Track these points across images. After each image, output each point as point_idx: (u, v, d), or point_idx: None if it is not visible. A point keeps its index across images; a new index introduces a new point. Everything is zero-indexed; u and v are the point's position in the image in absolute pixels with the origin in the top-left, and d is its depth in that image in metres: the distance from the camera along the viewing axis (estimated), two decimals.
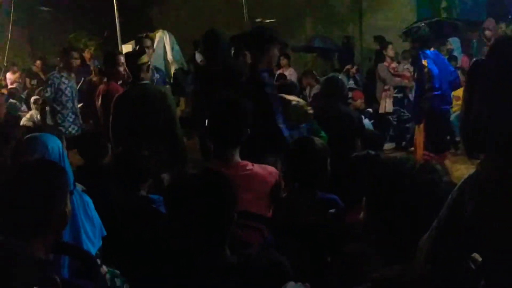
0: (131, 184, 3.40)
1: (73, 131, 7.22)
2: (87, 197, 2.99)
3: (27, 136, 2.92)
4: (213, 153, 3.19)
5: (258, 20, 12.53)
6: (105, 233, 3.00)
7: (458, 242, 1.22)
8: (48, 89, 7.19)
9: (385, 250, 1.84)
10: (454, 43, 11.39)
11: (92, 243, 2.88)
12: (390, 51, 10.15)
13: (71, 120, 7.30)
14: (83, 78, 8.91)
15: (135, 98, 5.23)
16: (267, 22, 11.58)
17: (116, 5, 10.11)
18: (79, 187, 3.09)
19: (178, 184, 2.17)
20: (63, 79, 7.24)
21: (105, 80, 6.64)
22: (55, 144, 2.84)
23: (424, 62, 7.12)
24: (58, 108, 7.21)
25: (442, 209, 1.33)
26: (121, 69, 6.21)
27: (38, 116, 9.22)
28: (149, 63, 5.57)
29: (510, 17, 11.90)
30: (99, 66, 9.57)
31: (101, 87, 6.45)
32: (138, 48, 7.36)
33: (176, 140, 5.23)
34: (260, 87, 4.34)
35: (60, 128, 7.15)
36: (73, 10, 16.01)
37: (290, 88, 5.84)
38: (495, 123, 1.19)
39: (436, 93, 6.95)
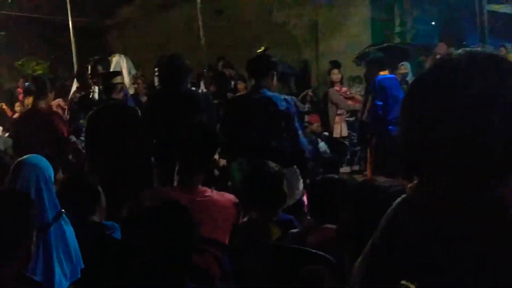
0: (81, 210, 3.33)
1: None
2: (69, 227, 2.93)
3: (18, 160, 2.90)
4: (177, 178, 3.19)
5: None
6: (82, 265, 2.92)
7: (393, 268, 1.22)
8: None
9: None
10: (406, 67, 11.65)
11: (64, 275, 2.81)
12: (333, 76, 10.22)
13: None
14: None
15: (108, 115, 5.42)
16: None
17: (73, 28, 10.05)
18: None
19: (137, 216, 2.16)
20: None
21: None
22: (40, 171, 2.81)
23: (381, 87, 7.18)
24: None
25: (375, 233, 1.34)
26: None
27: None
28: (122, 84, 5.71)
29: (464, 43, 12.25)
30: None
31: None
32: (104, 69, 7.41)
33: (145, 158, 5.29)
34: (272, 105, 4.73)
35: None
36: (28, 34, 15.79)
37: None
38: (438, 144, 1.20)
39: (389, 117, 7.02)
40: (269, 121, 4.81)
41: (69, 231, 2.91)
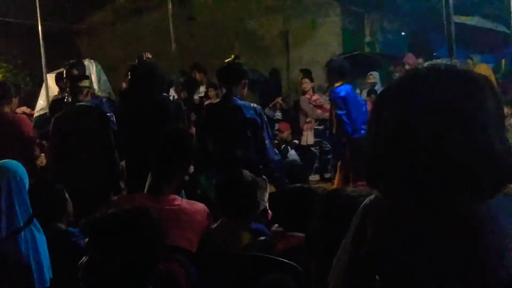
0: (46, 217, 3.28)
1: None
2: (41, 235, 2.89)
3: None
4: (147, 185, 3.16)
5: None
6: (51, 275, 2.88)
7: (363, 271, 1.24)
8: None
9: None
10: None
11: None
12: (304, 85, 10.26)
13: None
14: None
15: (72, 116, 5.37)
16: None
17: (42, 32, 9.92)
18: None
19: (100, 222, 2.13)
20: None
21: None
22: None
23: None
24: None
25: (346, 236, 1.36)
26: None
27: None
28: (90, 88, 5.66)
29: (434, 54, 12.43)
30: None
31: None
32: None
33: (113, 163, 5.23)
34: (239, 113, 4.78)
35: None
36: None
37: None
38: (398, 154, 1.22)
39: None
40: (236, 130, 4.84)
41: (40, 239, 2.87)
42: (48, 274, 2.84)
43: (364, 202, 1.34)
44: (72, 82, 5.68)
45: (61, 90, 7.34)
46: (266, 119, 5.09)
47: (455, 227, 1.16)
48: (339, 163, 7.59)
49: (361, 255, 1.25)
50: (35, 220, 2.88)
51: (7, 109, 5.79)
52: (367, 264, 1.22)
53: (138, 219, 2.09)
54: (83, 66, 7.11)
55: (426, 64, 1.29)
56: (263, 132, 4.91)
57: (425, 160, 1.16)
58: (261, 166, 4.84)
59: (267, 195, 4.25)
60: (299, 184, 3.53)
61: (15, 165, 2.94)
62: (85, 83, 5.67)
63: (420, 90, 1.21)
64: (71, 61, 6.82)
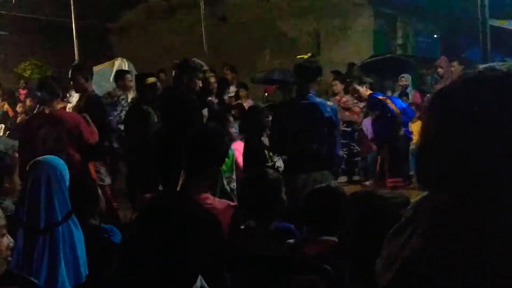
0: (80, 213, 3.31)
1: None
2: (79, 231, 2.94)
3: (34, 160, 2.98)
4: (181, 184, 3.16)
5: None
6: (87, 271, 2.92)
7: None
8: None
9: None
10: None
11: (68, 278, 2.81)
12: (334, 87, 10.23)
13: None
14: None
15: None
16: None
17: (76, 31, 10.06)
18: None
19: (150, 214, 2.10)
20: None
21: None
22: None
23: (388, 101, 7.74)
24: None
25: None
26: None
27: None
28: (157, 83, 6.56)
29: (463, 55, 12.27)
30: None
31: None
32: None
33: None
34: (317, 111, 5.15)
35: None
36: (31, 35, 15.81)
37: None
38: (445, 160, 1.20)
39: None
40: (313, 126, 5.17)
41: (78, 235, 2.91)
42: (84, 269, 2.87)
43: (417, 199, 1.32)
44: (137, 80, 6.58)
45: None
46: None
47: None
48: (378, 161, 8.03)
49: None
50: (73, 216, 2.92)
51: (56, 106, 5.79)
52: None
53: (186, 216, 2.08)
54: (91, 71, 7.25)
55: (481, 68, 1.25)
56: (336, 130, 5.42)
57: (469, 169, 1.15)
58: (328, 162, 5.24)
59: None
60: (328, 185, 3.49)
61: (56, 160, 3.00)
62: (150, 80, 6.56)
63: (471, 99, 1.18)
64: (75, 63, 7.04)
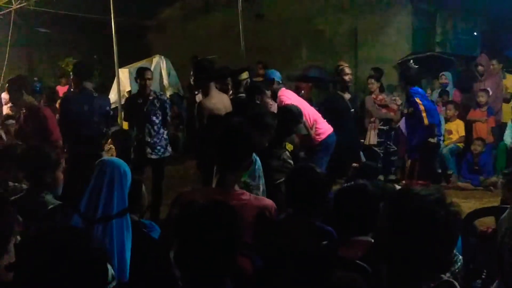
0: None
1: None
2: (130, 234, 3.01)
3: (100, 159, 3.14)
4: (217, 179, 3.16)
5: None
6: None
7: None
8: None
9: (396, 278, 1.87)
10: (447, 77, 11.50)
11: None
12: (370, 85, 10.10)
13: None
14: None
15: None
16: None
17: (115, 29, 10.15)
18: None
19: (189, 215, 2.12)
20: None
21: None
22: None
23: (417, 99, 7.83)
24: None
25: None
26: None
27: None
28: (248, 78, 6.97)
29: (505, 54, 12.01)
30: None
31: None
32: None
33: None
34: None
35: None
36: (70, 33, 16.06)
37: None
38: None
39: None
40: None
41: (128, 236, 2.95)
42: (126, 269, 2.90)
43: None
44: (233, 76, 6.97)
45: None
46: None
47: None
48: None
49: None
50: (128, 216, 2.96)
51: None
52: None
53: (224, 211, 2.10)
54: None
55: None
56: None
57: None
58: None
59: None
60: (360, 183, 3.38)
61: (122, 162, 3.10)
62: (243, 76, 7.01)
63: None
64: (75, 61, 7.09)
